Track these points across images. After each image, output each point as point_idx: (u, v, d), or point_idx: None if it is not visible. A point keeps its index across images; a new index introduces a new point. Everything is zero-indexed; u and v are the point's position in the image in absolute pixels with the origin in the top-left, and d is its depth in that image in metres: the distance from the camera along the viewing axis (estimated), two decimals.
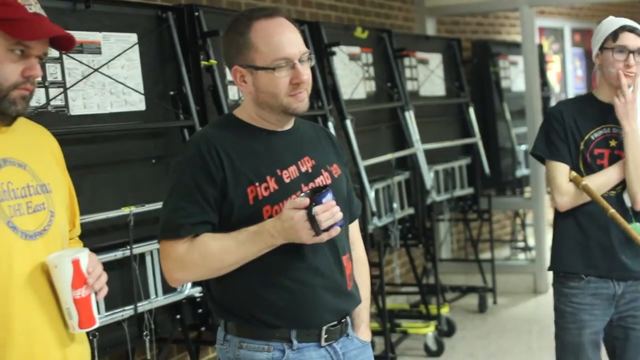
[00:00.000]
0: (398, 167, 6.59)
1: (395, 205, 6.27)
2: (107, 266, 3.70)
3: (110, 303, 3.76)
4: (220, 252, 2.65)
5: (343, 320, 2.82)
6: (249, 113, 2.79)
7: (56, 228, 2.45)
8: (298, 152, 2.79)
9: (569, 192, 3.68)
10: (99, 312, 3.59)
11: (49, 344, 2.38)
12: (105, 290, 2.51)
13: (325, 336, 2.76)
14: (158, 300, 3.97)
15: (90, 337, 3.59)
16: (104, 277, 2.48)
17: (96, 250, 3.68)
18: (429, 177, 6.75)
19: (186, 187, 2.67)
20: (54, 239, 2.43)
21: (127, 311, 3.82)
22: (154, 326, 3.94)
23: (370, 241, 5.84)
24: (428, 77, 7.49)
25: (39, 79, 3.52)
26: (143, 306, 3.88)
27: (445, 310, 7.04)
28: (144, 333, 3.89)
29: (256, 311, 2.71)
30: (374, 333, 6.29)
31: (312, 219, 2.54)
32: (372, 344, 6.07)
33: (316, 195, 2.56)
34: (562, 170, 3.72)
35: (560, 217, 3.78)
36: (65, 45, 2.49)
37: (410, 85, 7.19)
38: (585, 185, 3.63)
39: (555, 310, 3.78)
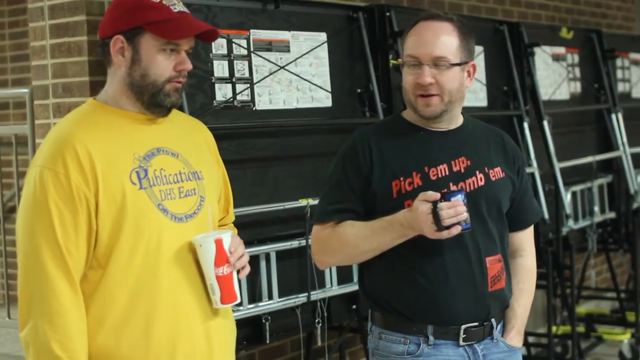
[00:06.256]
0: (602, 170, 6.47)
1: (595, 208, 6.17)
2: (285, 254, 3.95)
3: (285, 289, 3.94)
4: (355, 238, 2.79)
5: (486, 323, 2.85)
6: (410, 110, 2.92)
7: (205, 212, 2.63)
8: (453, 152, 2.87)
9: None
10: (275, 298, 3.83)
11: (193, 317, 2.56)
12: (247, 270, 2.66)
13: (464, 336, 2.81)
14: (332, 289, 4.10)
15: (263, 321, 3.83)
16: (246, 257, 2.64)
17: (275, 238, 3.93)
18: (634, 181, 6.58)
19: (337, 177, 2.90)
20: (202, 222, 2.61)
21: (300, 298, 3.97)
22: (327, 315, 4.08)
23: (564, 243, 5.77)
24: None
25: (226, 74, 3.81)
26: (317, 294, 4.02)
27: None
28: (317, 320, 4.04)
29: (395, 303, 2.83)
30: (565, 336, 6.23)
31: (435, 214, 2.64)
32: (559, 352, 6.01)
33: (447, 193, 2.66)
34: None
35: None
36: (210, 37, 2.67)
37: (621, 87, 7.02)
38: None
39: None
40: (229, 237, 2.58)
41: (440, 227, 2.64)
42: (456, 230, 2.66)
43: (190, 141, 2.71)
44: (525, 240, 3.06)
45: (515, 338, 2.96)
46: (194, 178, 2.64)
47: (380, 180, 2.80)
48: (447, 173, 2.82)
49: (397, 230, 2.73)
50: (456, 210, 2.64)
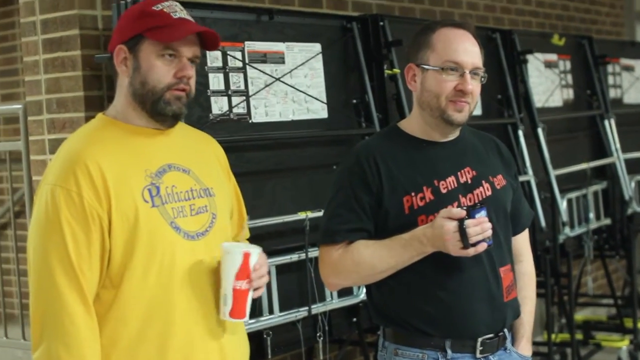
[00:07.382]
0: (597, 177, 6.45)
1: (590, 215, 6.14)
2: (285, 268, 3.91)
3: (286, 304, 3.90)
4: (372, 258, 2.73)
5: (500, 334, 2.83)
6: (413, 122, 2.87)
7: (218, 229, 2.59)
8: (458, 163, 2.83)
9: None
10: (275, 312, 3.80)
11: (208, 335, 2.52)
12: (261, 292, 2.62)
13: (481, 348, 2.78)
14: (333, 303, 4.06)
15: (265, 336, 3.79)
16: (265, 278, 2.59)
17: (274, 252, 3.89)
18: (628, 187, 6.56)
19: (344, 195, 2.79)
20: (215, 240, 2.56)
21: (301, 312, 3.93)
22: (328, 328, 4.04)
23: (561, 251, 5.75)
24: (633, 84, 7.29)
25: (221, 87, 3.77)
26: (317, 308, 3.98)
27: None
28: (318, 334, 4.00)
29: (411, 319, 2.77)
30: (564, 344, 6.20)
31: (462, 231, 2.59)
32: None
33: (471, 210, 2.62)
34: None
35: None
36: (213, 44, 2.60)
37: (613, 93, 7.01)
38: None
39: None
40: (257, 255, 2.53)
41: (466, 244, 2.60)
42: (482, 247, 2.62)
43: (200, 156, 2.67)
44: (523, 244, 3.05)
45: (526, 347, 2.95)
46: (206, 195, 2.60)
47: (391, 197, 2.74)
48: (455, 185, 2.79)
49: (417, 247, 2.68)
50: (482, 227, 2.61)
